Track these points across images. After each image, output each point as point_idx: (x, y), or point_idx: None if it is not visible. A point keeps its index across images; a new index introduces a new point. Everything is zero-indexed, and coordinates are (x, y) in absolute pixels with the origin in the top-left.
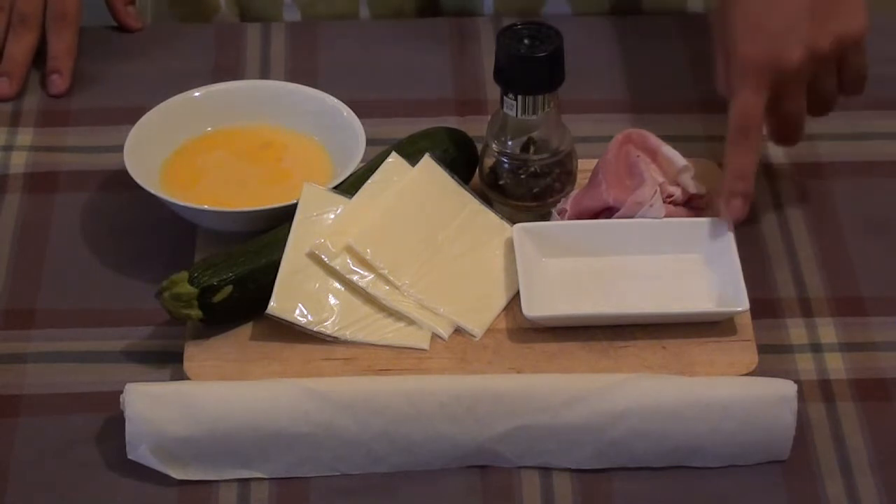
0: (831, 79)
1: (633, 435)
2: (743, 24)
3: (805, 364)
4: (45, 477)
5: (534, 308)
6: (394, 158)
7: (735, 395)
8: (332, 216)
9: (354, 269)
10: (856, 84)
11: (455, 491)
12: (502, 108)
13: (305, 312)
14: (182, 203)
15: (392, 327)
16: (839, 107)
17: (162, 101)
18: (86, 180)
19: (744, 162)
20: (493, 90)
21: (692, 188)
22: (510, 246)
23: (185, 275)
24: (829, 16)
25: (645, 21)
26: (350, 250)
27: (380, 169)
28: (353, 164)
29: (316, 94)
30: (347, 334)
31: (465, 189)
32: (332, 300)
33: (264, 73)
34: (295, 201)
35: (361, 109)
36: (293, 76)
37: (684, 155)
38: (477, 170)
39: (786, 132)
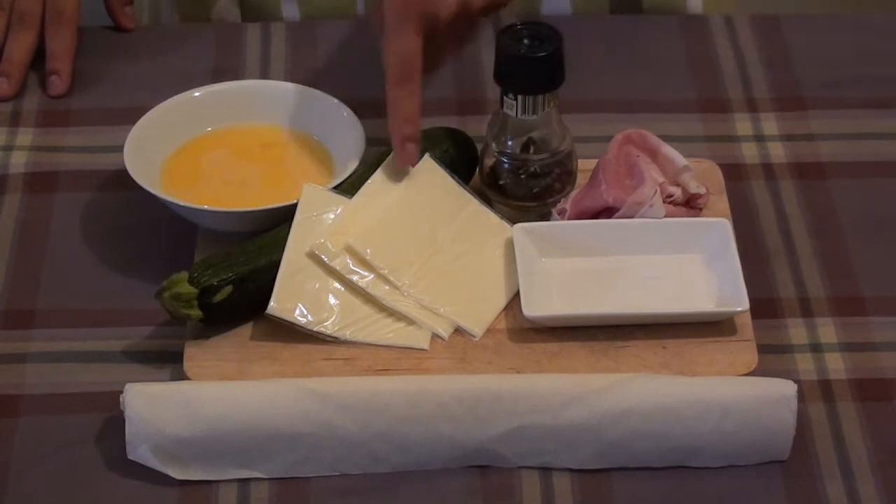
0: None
1: (633, 435)
2: None
3: (805, 364)
4: (45, 477)
5: (534, 308)
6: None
7: (735, 395)
8: (332, 216)
9: (354, 269)
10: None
11: (455, 491)
12: (502, 108)
13: (305, 312)
14: (182, 203)
15: (392, 327)
16: (840, 107)
17: (162, 101)
18: (86, 180)
19: (410, 107)
20: (493, 90)
21: (692, 188)
22: (510, 246)
23: (185, 275)
24: None
25: (645, 21)
26: (350, 250)
27: (380, 169)
28: (353, 164)
29: (316, 94)
30: (347, 334)
31: (465, 189)
32: (332, 300)
33: (264, 73)
34: (295, 201)
35: (361, 109)
36: (293, 76)
37: (684, 155)
38: (477, 170)
39: (426, 68)
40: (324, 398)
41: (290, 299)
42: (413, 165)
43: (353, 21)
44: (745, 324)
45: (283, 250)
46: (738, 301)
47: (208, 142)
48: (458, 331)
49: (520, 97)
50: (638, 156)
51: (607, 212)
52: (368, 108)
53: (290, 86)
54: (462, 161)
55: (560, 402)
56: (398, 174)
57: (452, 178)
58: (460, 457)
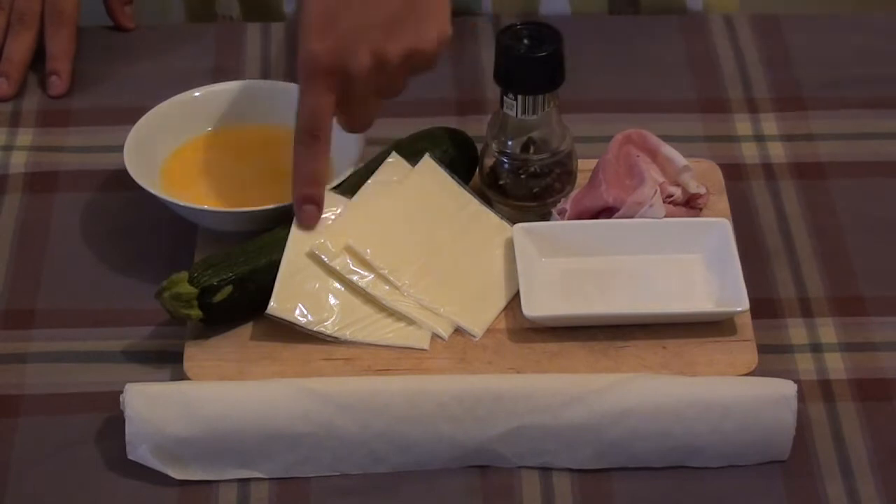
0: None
1: (633, 435)
2: (315, 19)
3: (805, 364)
4: (45, 477)
5: (534, 308)
6: (394, 158)
7: (735, 395)
8: (332, 216)
9: (354, 269)
10: (394, 94)
11: (455, 491)
12: (502, 108)
13: (305, 312)
14: (182, 203)
15: (392, 327)
16: (840, 107)
17: (162, 101)
18: (86, 180)
19: (314, 167)
20: (493, 90)
21: (692, 188)
22: (510, 246)
23: (185, 275)
24: (406, 24)
25: (645, 21)
26: (350, 250)
27: (380, 169)
28: (353, 164)
29: None
30: (347, 334)
31: (465, 189)
32: (332, 300)
33: (264, 73)
34: None
35: None
36: (293, 76)
37: (684, 155)
38: (477, 170)
39: (353, 127)
40: (324, 398)
41: (290, 299)
42: (312, 228)
43: None
44: (745, 324)
45: (283, 250)
46: (738, 301)
47: (208, 142)
48: (458, 331)
49: (520, 97)
50: (638, 156)
51: (607, 212)
52: None
53: (290, 86)
54: (462, 161)
55: (560, 402)
56: (398, 174)
57: (452, 178)
58: (460, 457)
